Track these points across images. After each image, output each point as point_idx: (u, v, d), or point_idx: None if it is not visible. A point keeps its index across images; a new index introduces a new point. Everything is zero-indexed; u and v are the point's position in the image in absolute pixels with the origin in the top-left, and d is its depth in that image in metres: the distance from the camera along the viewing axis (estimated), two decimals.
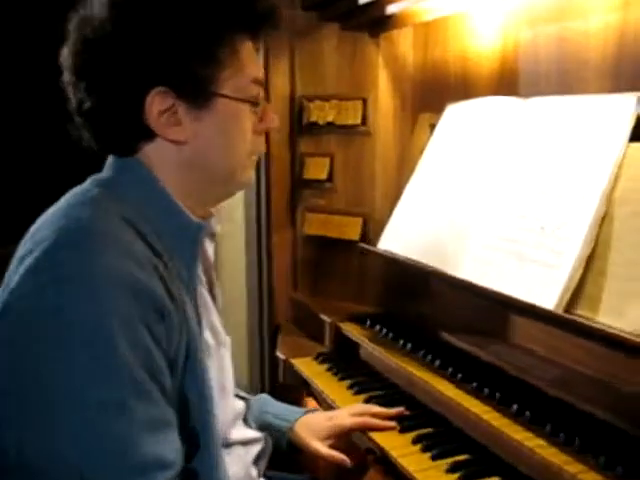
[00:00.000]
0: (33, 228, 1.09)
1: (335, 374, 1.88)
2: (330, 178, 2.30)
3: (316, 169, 2.31)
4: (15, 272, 1.01)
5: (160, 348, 1.02)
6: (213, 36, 1.12)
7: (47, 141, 3.10)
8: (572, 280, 1.35)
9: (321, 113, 2.27)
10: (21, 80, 2.89)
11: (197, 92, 1.12)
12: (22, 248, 1.06)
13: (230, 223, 2.62)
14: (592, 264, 1.35)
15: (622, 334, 1.23)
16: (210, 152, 1.17)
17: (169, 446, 1.01)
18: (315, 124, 2.28)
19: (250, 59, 1.18)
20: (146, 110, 1.10)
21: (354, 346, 1.98)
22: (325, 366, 1.95)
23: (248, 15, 1.17)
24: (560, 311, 1.35)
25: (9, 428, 0.95)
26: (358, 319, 2.06)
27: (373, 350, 1.87)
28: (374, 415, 1.57)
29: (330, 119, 2.26)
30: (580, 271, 1.35)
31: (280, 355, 2.11)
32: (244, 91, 1.17)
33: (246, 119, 1.19)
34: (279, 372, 2.11)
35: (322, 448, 1.50)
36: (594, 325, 1.29)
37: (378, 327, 1.96)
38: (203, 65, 1.12)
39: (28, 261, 0.99)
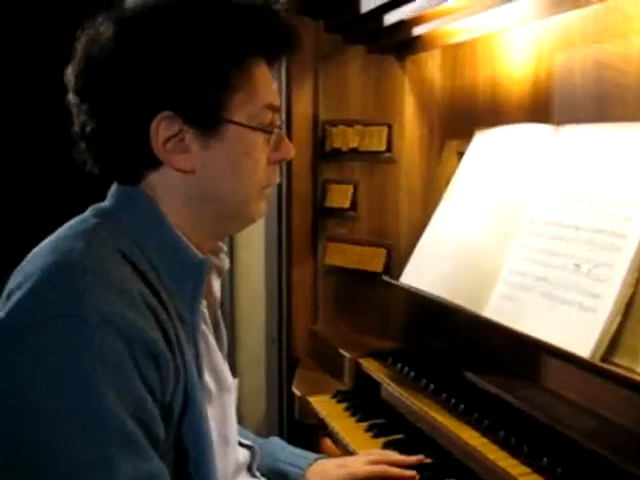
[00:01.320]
0: (26, 259, 1.04)
1: (353, 414, 1.80)
2: (353, 207, 2.23)
3: (339, 197, 2.25)
4: (2, 308, 0.96)
5: (153, 396, 0.96)
6: (224, 58, 1.07)
7: (45, 169, 3.12)
8: (610, 326, 1.26)
9: (344, 139, 2.21)
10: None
11: (206, 118, 1.06)
12: (12, 281, 1.01)
13: (249, 251, 2.57)
14: (632, 309, 1.25)
15: None
16: (219, 183, 1.11)
17: None
18: (338, 150, 2.22)
19: (264, 83, 1.13)
20: (152, 135, 1.04)
21: (374, 384, 1.89)
22: (343, 405, 1.87)
23: (262, 37, 1.11)
24: (597, 360, 1.24)
25: None
26: (379, 355, 1.98)
27: (394, 390, 1.79)
28: (392, 464, 1.47)
29: (354, 145, 2.20)
30: (619, 317, 1.26)
31: (296, 392, 2.04)
32: (257, 118, 1.11)
33: (259, 148, 1.13)
34: (295, 409, 2.03)
35: None
36: (633, 377, 1.18)
37: (400, 365, 1.88)
38: (213, 89, 1.06)
39: (14, 298, 0.94)
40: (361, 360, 1.97)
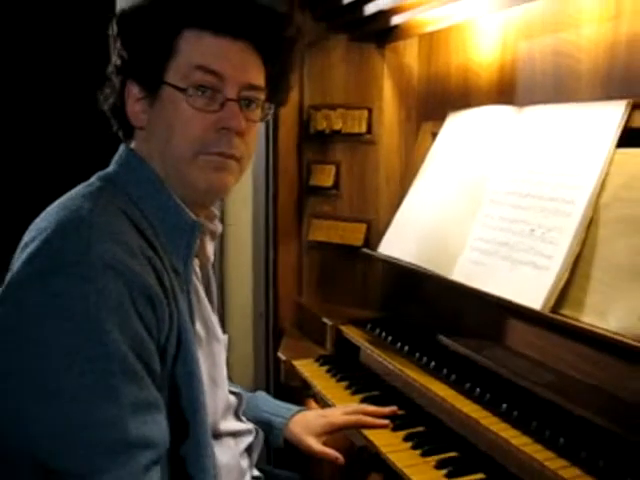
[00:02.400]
0: (39, 217, 1.16)
1: (334, 375, 1.93)
2: (336, 185, 2.34)
3: (322, 176, 2.36)
4: (18, 258, 1.08)
5: (150, 335, 1.08)
6: (163, 30, 1.18)
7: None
8: (559, 282, 1.40)
9: (328, 122, 2.31)
10: None
11: (148, 79, 1.19)
12: (27, 235, 1.12)
13: (236, 227, 2.66)
14: (578, 267, 1.39)
15: (604, 332, 1.27)
16: (158, 141, 1.21)
17: (155, 427, 1.06)
18: (322, 132, 2.32)
19: (202, 49, 1.18)
20: (126, 96, 1.22)
21: (354, 349, 2.02)
22: (325, 368, 1.99)
23: (197, 10, 1.19)
24: (546, 311, 1.39)
25: (2, 412, 1.01)
26: (359, 323, 2.10)
27: (372, 353, 1.91)
28: (368, 414, 1.60)
29: (336, 128, 2.30)
30: (567, 274, 1.39)
31: (282, 357, 2.16)
32: (187, 79, 1.17)
33: (188, 109, 1.17)
34: (280, 374, 2.15)
35: (315, 445, 1.53)
36: (578, 324, 1.33)
37: (378, 330, 2.00)
38: (154, 55, 1.18)
39: (30, 249, 1.06)
40: (342, 327, 2.09)
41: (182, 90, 1.17)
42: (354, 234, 2.31)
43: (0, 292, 1.05)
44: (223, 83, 1.19)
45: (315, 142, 2.35)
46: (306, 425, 1.57)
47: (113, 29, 1.22)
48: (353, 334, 2.04)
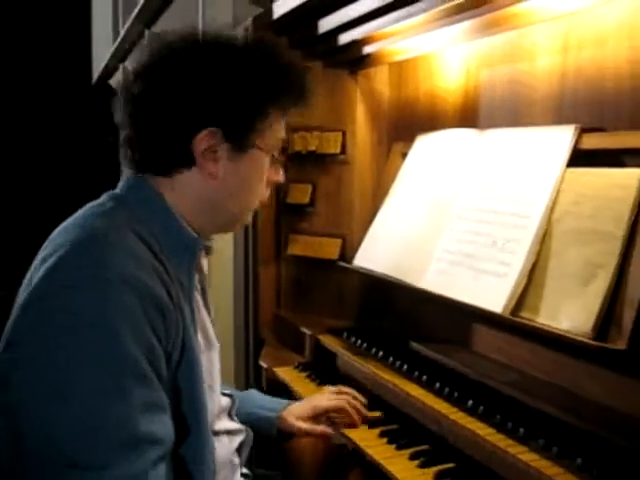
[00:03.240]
0: (53, 234, 1.27)
1: (313, 380, 2.06)
2: (312, 203, 2.46)
3: (299, 194, 2.48)
4: (37, 271, 1.18)
5: (159, 342, 1.18)
6: (266, 98, 1.32)
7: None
8: (517, 288, 1.55)
9: (304, 143, 2.43)
10: None
11: (241, 138, 1.32)
12: (43, 251, 1.23)
13: (218, 243, 2.75)
14: (534, 274, 1.54)
15: (558, 331, 1.43)
16: (232, 190, 1.35)
17: (162, 426, 1.16)
18: (299, 153, 2.44)
19: (282, 124, 1.39)
20: (195, 142, 1.28)
21: (332, 356, 2.13)
22: (305, 374, 2.11)
23: (296, 95, 1.39)
24: (507, 314, 1.54)
25: (24, 414, 1.10)
26: (336, 332, 2.22)
27: (348, 358, 2.03)
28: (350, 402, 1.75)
29: (312, 148, 2.43)
30: (524, 280, 1.55)
31: (263, 364, 2.27)
32: (273, 148, 1.38)
33: (265, 169, 1.38)
34: (262, 381, 2.26)
35: (305, 424, 1.68)
36: (534, 324, 1.48)
37: (353, 339, 2.12)
38: (256, 119, 1.32)
39: (48, 264, 1.16)
40: (319, 336, 2.20)
41: (273, 157, 1.38)
42: (330, 248, 2.43)
43: (21, 305, 1.14)
44: None
45: (292, 162, 2.44)
46: (295, 412, 1.71)
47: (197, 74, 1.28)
48: (330, 342, 2.15)
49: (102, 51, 5.12)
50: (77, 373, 1.09)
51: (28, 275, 1.23)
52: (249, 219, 1.44)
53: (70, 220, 1.29)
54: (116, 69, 4.98)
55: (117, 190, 1.37)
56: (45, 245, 1.26)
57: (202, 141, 1.28)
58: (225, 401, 1.57)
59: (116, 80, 5.11)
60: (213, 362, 1.46)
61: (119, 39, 4.32)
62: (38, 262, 1.21)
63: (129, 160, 1.37)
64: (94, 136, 5.40)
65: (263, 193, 1.41)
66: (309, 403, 1.73)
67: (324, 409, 1.71)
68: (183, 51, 1.30)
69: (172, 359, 1.23)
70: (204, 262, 1.48)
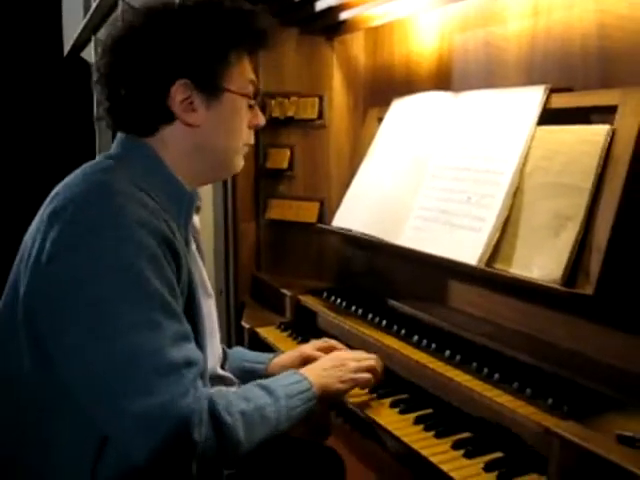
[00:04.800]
0: (54, 191, 1.32)
1: (295, 338, 2.12)
2: (290, 167, 2.52)
3: (278, 159, 2.53)
4: (50, 225, 1.23)
5: (177, 281, 1.27)
6: (227, 43, 1.41)
7: None
8: (491, 241, 1.62)
9: (282, 109, 2.48)
10: None
11: (211, 85, 1.40)
12: (50, 205, 1.28)
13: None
14: (507, 228, 1.61)
15: (529, 279, 1.51)
16: (215, 137, 1.43)
17: (193, 351, 1.24)
18: (277, 119, 2.49)
19: (248, 65, 1.47)
20: (171, 97, 1.37)
21: (312, 315, 2.20)
22: (286, 333, 2.18)
23: (251, 37, 1.46)
24: (482, 266, 1.61)
25: (64, 356, 1.18)
26: (315, 292, 2.28)
27: (328, 316, 2.10)
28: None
29: (290, 114, 2.48)
30: (498, 234, 1.62)
31: (245, 324, 2.33)
32: (244, 89, 1.45)
33: (243, 112, 1.46)
34: (244, 341, 2.31)
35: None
36: (507, 274, 1.56)
37: (333, 298, 2.18)
38: (217, 64, 1.40)
39: (66, 215, 1.22)
40: (300, 296, 2.26)
41: (249, 98, 1.46)
42: (308, 212, 2.49)
43: (47, 254, 1.20)
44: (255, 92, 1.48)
45: (270, 128, 2.46)
46: (284, 362, 1.77)
47: (154, 28, 1.37)
48: (311, 302, 2.22)
49: (73, 23, 5.06)
50: (111, 311, 1.17)
51: (32, 232, 1.28)
52: (239, 164, 1.52)
53: (70, 178, 1.34)
54: (89, 41, 4.93)
55: (111, 151, 1.42)
56: (48, 201, 1.31)
57: (176, 94, 1.37)
58: (220, 351, 1.64)
59: (88, 52, 5.07)
60: (211, 310, 1.55)
61: (91, 10, 4.27)
62: (46, 218, 1.26)
63: (114, 127, 1.44)
64: (66, 109, 5.37)
65: (247, 136, 1.50)
66: (296, 351, 1.80)
67: (312, 355, 1.78)
68: (144, 18, 1.39)
69: (181, 301, 1.30)
70: (195, 218, 1.54)
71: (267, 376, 1.72)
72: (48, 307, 1.20)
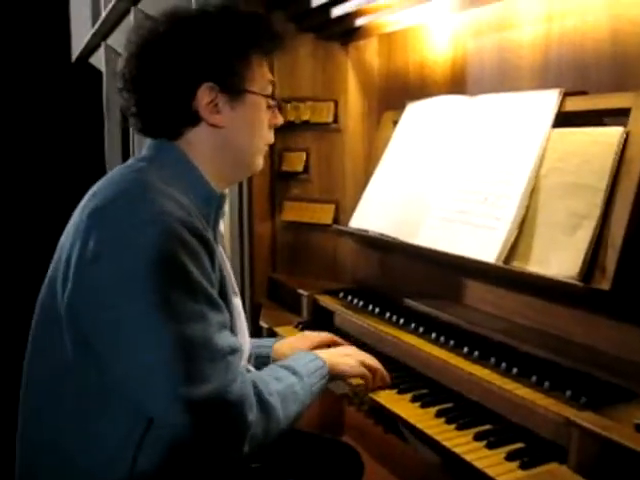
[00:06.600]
0: (90, 193, 1.38)
1: None
2: (306, 170, 2.56)
3: (293, 162, 2.58)
4: (91, 225, 1.28)
5: (213, 275, 1.32)
6: (249, 46, 1.48)
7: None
8: (509, 240, 1.67)
9: (297, 113, 2.53)
10: None
11: (235, 87, 1.46)
12: (85, 208, 1.32)
13: None
14: (524, 227, 1.66)
15: (545, 275, 1.55)
16: (239, 136, 1.49)
17: (233, 338, 1.32)
18: (292, 123, 2.53)
19: (266, 67, 1.54)
20: (197, 100, 1.43)
21: (329, 315, 2.23)
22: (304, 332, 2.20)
23: (269, 39, 1.53)
24: (500, 263, 1.66)
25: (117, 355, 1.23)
26: (332, 292, 2.32)
27: (346, 315, 2.13)
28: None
29: (305, 118, 2.52)
30: (515, 232, 1.66)
31: (263, 324, 2.37)
32: (264, 90, 1.52)
33: (264, 113, 1.52)
34: None
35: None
36: (525, 271, 1.61)
37: (350, 298, 2.22)
38: (241, 67, 1.47)
39: (105, 214, 1.28)
40: (317, 296, 2.30)
41: (269, 98, 1.52)
42: (324, 214, 2.53)
43: (91, 253, 1.25)
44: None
45: (286, 132, 2.51)
46: (288, 345, 1.84)
47: (177, 35, 1.42)
48: (328, 302, 2.25)
49: (82, 29, 5.10)
50: (159, 305, 1.21)
51: (70, 234, 1.33)
52: (260, 163, 1.58)
53: (106, 179, 1.40)
54: (98, 47, 4.98)
55: (144, 153, 1.48)
56: (85, 202, 1.36)
57: (202, 97, 1.43)
58: (248, 346, 1.69)
59: (98, 58, 5.11)
60: (239, 308, 1.61)
61: (102, 17, 4.32)
62: (86, 215, 1.30)
63: (142, 132, 1.50)
64: (74, 114, 5.41)
65: (267, 136, 1.56)
66: (302, 337, 1.88)
67: (317, 341, 1.84)
68: (168, 24, 1.44)
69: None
70: (220, 223, 1.59)
71: (273, 357, 1.80)
72: (95, 304, 1.25)
